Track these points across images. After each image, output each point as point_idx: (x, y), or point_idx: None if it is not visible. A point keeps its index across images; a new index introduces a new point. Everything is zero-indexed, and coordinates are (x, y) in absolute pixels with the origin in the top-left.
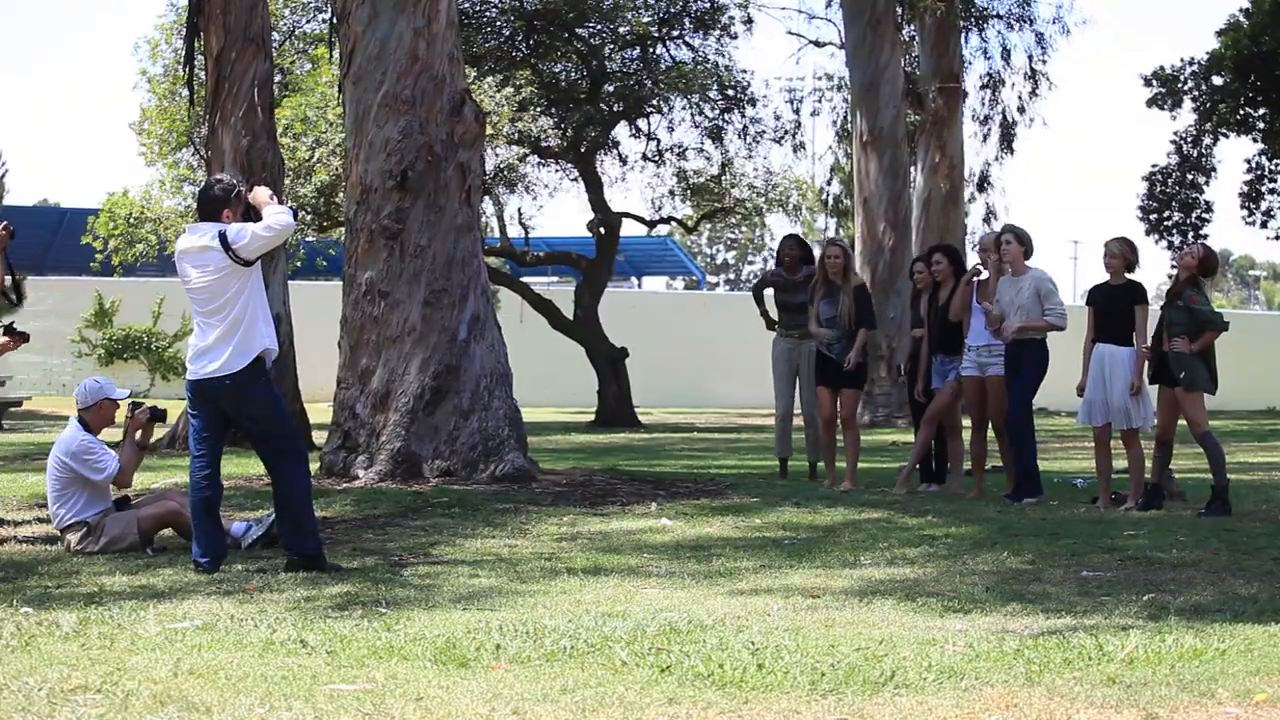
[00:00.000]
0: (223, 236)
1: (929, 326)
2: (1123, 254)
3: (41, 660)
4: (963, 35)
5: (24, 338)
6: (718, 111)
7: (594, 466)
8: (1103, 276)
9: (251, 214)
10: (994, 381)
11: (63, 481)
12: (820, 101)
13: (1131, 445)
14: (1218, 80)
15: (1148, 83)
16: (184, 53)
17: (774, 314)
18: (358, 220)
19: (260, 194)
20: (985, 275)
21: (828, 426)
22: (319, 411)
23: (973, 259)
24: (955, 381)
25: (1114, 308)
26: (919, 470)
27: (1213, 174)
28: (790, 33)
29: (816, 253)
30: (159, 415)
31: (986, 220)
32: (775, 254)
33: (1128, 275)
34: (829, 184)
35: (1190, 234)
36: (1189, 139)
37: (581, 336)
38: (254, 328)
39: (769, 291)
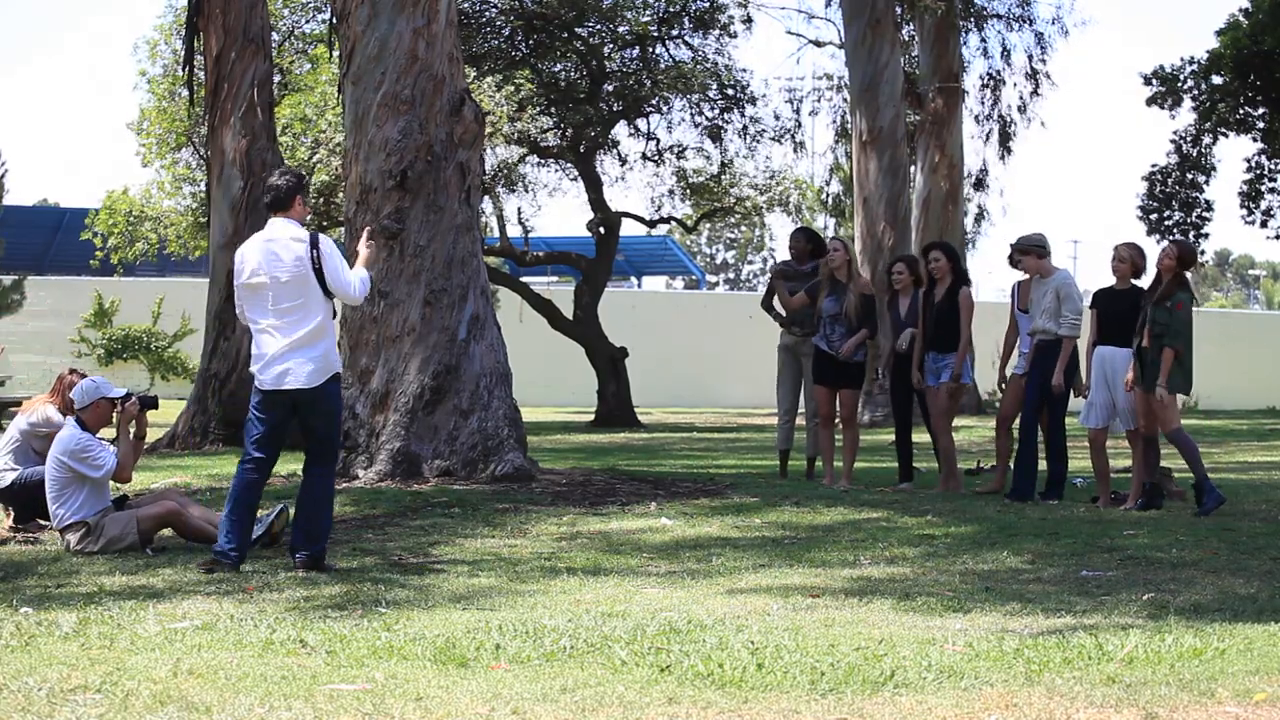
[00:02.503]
0: (315, 242)
1: (923, 324)
2: (1131, 259)
3: (41, 660)
4: (962, 35)
5: (151, 404)
6: (717, 111)
7: (593, 466)
8: (1107, 277)
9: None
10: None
11: (61, 482)
12: (820, 101)
13: (1137, 445)
14: (1217, 80)
15: (1147, 82)
16: (183, 53)
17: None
18: (357, 220)
19: (366, 253)
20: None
21: (826, 425)
22: None
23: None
24: (951, 381)
25: (1118, 311)
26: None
27: (1212, 173)
28: (790, 32)
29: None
30: (150, 403)
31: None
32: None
33: (1133, 280)
34: (828, 184)
35: (1190, 233)
36: (1189, 138)
37: (581, 336)
38: (332, 337)
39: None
